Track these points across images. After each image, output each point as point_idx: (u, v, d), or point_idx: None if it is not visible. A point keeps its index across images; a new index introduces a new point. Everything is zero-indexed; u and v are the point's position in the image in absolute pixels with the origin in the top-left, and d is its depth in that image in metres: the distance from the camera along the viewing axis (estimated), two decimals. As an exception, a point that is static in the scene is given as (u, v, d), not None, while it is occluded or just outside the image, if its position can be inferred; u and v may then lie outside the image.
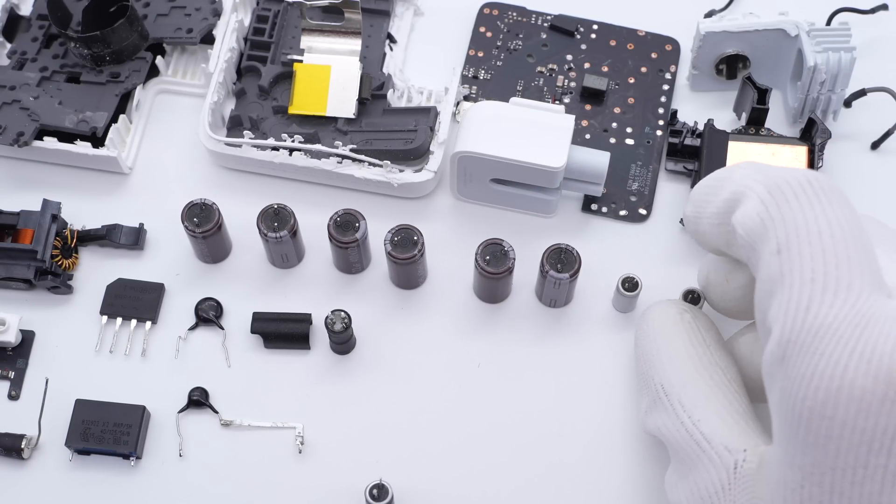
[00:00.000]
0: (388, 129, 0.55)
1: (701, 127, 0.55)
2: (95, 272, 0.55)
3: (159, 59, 0.58)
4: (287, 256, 0.54)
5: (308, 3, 0.56)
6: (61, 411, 0.51)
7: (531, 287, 0.54)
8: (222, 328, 0.53)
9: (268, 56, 0.58)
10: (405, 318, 0.54)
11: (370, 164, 0.54)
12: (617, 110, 0.58)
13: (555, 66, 0.59)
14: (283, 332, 0.53)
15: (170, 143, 0.58)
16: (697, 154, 0.55)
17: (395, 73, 0.58)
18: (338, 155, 0.54)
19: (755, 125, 0.55)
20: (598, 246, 0.55)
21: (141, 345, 0.53)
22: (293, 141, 0.55)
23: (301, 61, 0.57)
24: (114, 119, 0.56)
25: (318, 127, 0.56)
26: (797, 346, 0.34)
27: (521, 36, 0.60)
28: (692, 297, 0.51)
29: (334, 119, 0.56)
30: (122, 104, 0.57)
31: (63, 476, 0.51)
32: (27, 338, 0.53)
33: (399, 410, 0.52)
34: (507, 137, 0.52)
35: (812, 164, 0.53)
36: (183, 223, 0.52)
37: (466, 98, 0.58)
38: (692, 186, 0.56)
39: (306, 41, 0.57)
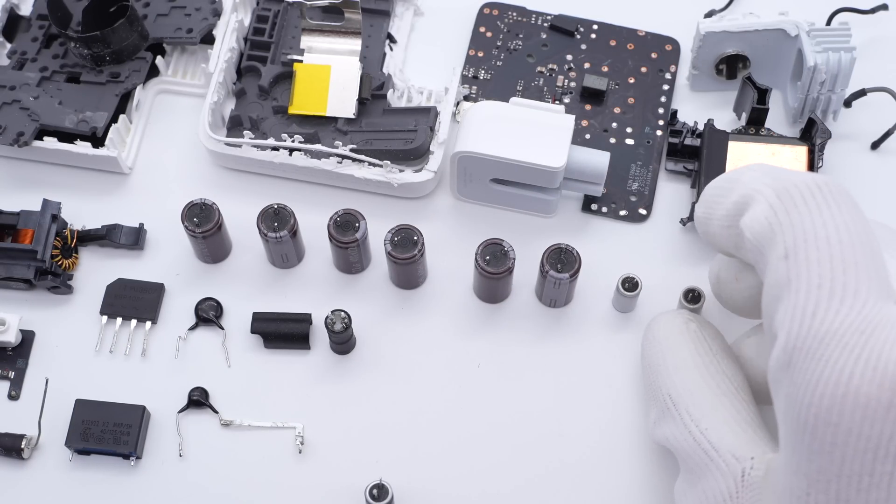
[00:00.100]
0: (388, 129, 0.55)
1: (701, 127, 0.55)
2: (95, 272, 0.55)
3: (159, 59, 0.58)
4: (287, 256, 0.54)
5: (308, 3, 0.56)
6: (61, 411, 0.51)
7: (531, 287, 0.54)
8: (222, 328, 0.53)
9: (268, 56, 0.58)
10: (405, 318, 0.54)
11: (370, 164, 0.54)
12: (617, 110, 0.58)
13: (555, 66, 0.59)
14: (283, 332, 0.53)
15: (170, 143, 0.58)
16: (697, 154, 0.55)
17: (395, 73, 0.58)
18: (338, 155, 0.54)
19: (755, 125, 0.55)
20: (598, 246, 0.55)
21: (141, 345, 0.53)
22: (293, 141, 0.55)
23: (301, 61, 0.57)
24: (114, 119, 0.56)
25: (318, 127, 0.56)
26: (803, 353, 0.34)
27: (521, 36, 0.60)
28: (692, 297, 0.51)
29: (334, 119, 0.56)
30: (122, 104, 0.57)
31: (63, 476, 0.51)
32: (27, 338, 0.53)
33: (399, 410, 0.52)
34: (507, 137, 0.52)
35: (812, 164, 0.53)
36: (183, 223, 0.52)
37: (466, 98, 0.58)
38: (692, 186, 0.56)
39: (306, 41, 0.57)
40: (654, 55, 0.59)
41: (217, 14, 0.58)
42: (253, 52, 0.58)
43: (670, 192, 0.56)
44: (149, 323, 0.54)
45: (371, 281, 0.55)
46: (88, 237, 0.55)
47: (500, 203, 0.56)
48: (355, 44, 0.57)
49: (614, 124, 0.58)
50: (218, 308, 0.54)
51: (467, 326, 0.54)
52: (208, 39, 0.58)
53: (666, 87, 0.59)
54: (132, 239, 0.55)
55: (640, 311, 0.53)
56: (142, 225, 0.55)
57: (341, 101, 0.56)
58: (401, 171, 0.55)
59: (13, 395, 0.52)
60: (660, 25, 0.60)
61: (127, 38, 0.57)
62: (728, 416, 0.41)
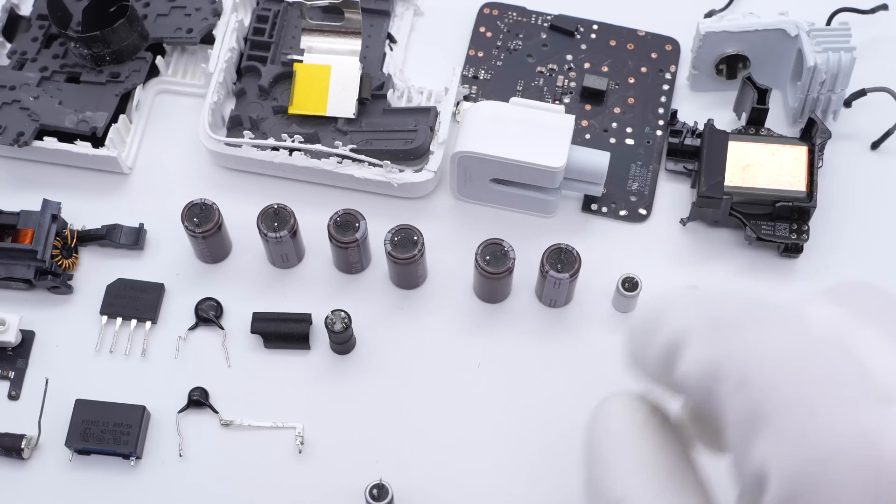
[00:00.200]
0: (388, 129, 0.55)
1: (701, 127, 0.55)
2: (95, 272, 0.55)
3: (159, 59, 0.58)
4: (287, 256, 0.54)
5: (308, 3, 0.56)
6: (61, 411, 0.51)
7: (531, 287, 0.54)
8: (222, 328, 0.53)
9: (268, 56, 0.58)
10: (405, 318, 0.54)
11: (370, 164, 0.54)
12: (617, 110, 0.58)
13: (555, 66, 0.59)
14: (283, 332, 0.53)
15: (170, 143, 0.58)
16: (697, 154, 0.55)
17: (395, 73, 0.58)
18: (338, 155, 0.54)
19: (755, 125, 0.55)
20: (598, 246, 0.55)
21: (141, 345, 0.53)
22: (293, 141, 0.55)
23: (301, 61, 0.57)
24: (114, 119, 0.56)
25: (318, 127, 0.56)
26: (810, 485, 0.29)
27: (521, 36, 0.60)
28: (692, 297, 0.51)
29: (334, 119, 0.56)
30: (122, 104, 0.57)
31: (63, 476, 0.51)
32: (27, 338, 0.53)
33: (399, 410, 0.52)
34: (507, 137, 0.52)
35: (812, 163, 0.53)
36: (183, 223, 0.52)
37: (466, 98, 0.58)
38: (692, 186, 0.56)
39: (306, 41, 0.57)
40: (654, 55, 0.59)
41: (217, 14, 0.58)
42: (253, 52, 0.58)
43: (670, 192, 0.56)
44: (149, 323, 0.54)
45: (371, 281, 0.55)
46: (88, 237, 0.55)
47: (500, 203, 0.56)
48: (355, 44, 0.57)
49: (614, 124, 0.58)
50: (218, 308, 0.54)
51: (467, 326, 0.54)
52: (208, 39, 0.58)
53: (666, 87, 0.59)
54: (132, 239, 0.55)
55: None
56: (142, 225, 0.55)
57: (341, 101, 0.56)
58: (401, 171, 0.55)
59: (13, 395, 0.52)
60: (660, 25, 0.60)
61: (127, 38, 0.57)
62: None
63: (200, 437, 0.51)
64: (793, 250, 0.54)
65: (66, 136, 0.56)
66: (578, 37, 0.60)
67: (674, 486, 0.35)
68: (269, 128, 0.56)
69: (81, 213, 0.56)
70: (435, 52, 0.60)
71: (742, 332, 0.31)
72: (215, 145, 0.55)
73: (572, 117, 0.53)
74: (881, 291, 0.34)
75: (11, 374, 0.53)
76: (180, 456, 0.51)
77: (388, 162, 0.54)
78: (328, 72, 0.57)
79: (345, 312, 0.51)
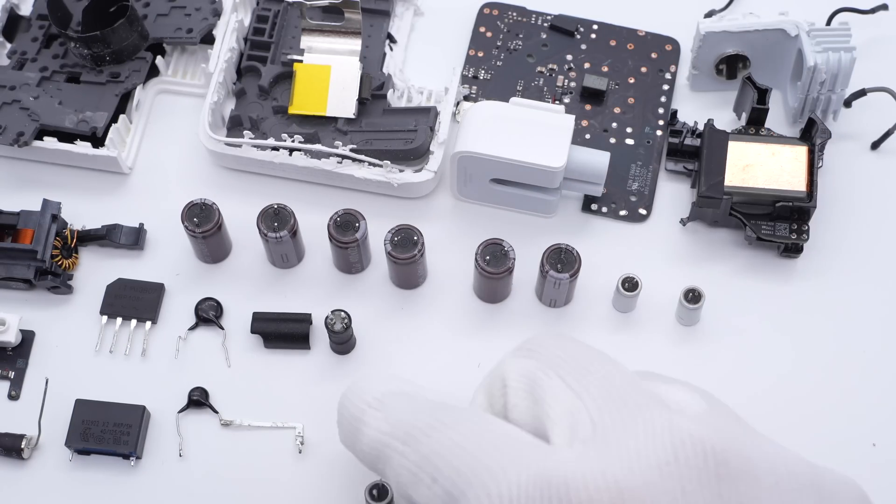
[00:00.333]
0: (388, 129, 0.55)
1: (701, 127, 0.55)
2: (95, 272, 0.55)
3: (159, 59, 0.58)
4: (287, 256, 0.54)
5: (308, 3, 0.56)
6: (61, 411, 0.51)
7: (531, 287, 0.54)
8: (222, 328, 0.53)
9: (268, 56, 0.58)
10: (405, 318, 0.54)
11: (370, 164, 0.54)
12: (617, 110, 0.58)
13: (555, 66, 0.59)
14: (283, 332, 0.53)
15: (170, 143, 0.58)
16: (697, 154, 0.55)
17: (395, 73, 0.58)
18: (338, 155, 0.54)
19: (755, 125, 0.55)
20: (598, 246, 0.55)
21: (141, 345, 0.53)
22: (293, 141, 0.55)
23: (301, 61, 0.57)
24: (114, 119, 0.56)
25: (318, 127, 0.56)
26: None
27: (521, 36, 0.60)
28: (692, 297, 0.51)
29: (334, 119, 0.56)
30: (122, 104, 0.57)
31: (63, 476, 0.51)
32: (27, 338, 0.53)
33: (399, 410, 0.52)
34: (507, 137, 0.52)
35: (812, 163, 0.53)
36: (183, 223, 0.52)
37: (466, 98, 0.58)
38: (692, 186, 0.56)
39: (306, 41, 0.57)
40: (654, 55, 0.59)
41: (217, 14, 0.58)
42: (253, 52, 0.58)
43: (670, 192, 0.56)
44: (149, 323, 0.54)
45: (371, 281, 0.55)
46: (88, 237, 0.55)
47: (500, 203, 0.56)
48: (355, 44, 0.57)
49: (614, 124, 0.58)
50: (218, 308, 0.54)
51: (467, 326, 0.54)
52: (208, 39, 0.58)
53: (666, 87, 0.59)
54: (132, 239, 0.55)
55: (640, 311, 0.53)
56: (142, 225, 0.55)
57: (341, 101, 0.56)
58: (401, 171, 0.55)
59: (13, 395, 0.52)
60: (660, 25, 0.60)
61: (127, 38, 0.57)
62: None
63: (200, 437, 0.51)
64: (793, 250, 0.54)
65: (66, 136, 0.56)
66: (578, 37, 0.60)
67: None
68: (269, 128, 0.56)
69: (81, 213, 0.56)
70: (435, 52, 0.60)
71: (420, 437, 0.35)
72: (215, 145, 0.55)
73: (572, 117, 0.53)
74: (565, 342, 0.38)
75: (11, 374, 0.53)
76: (180, 456, 0.51)
77: (388, 162, 0.54)
78: (328, 72, 0.57)
79: (345, 312, 0.51)
